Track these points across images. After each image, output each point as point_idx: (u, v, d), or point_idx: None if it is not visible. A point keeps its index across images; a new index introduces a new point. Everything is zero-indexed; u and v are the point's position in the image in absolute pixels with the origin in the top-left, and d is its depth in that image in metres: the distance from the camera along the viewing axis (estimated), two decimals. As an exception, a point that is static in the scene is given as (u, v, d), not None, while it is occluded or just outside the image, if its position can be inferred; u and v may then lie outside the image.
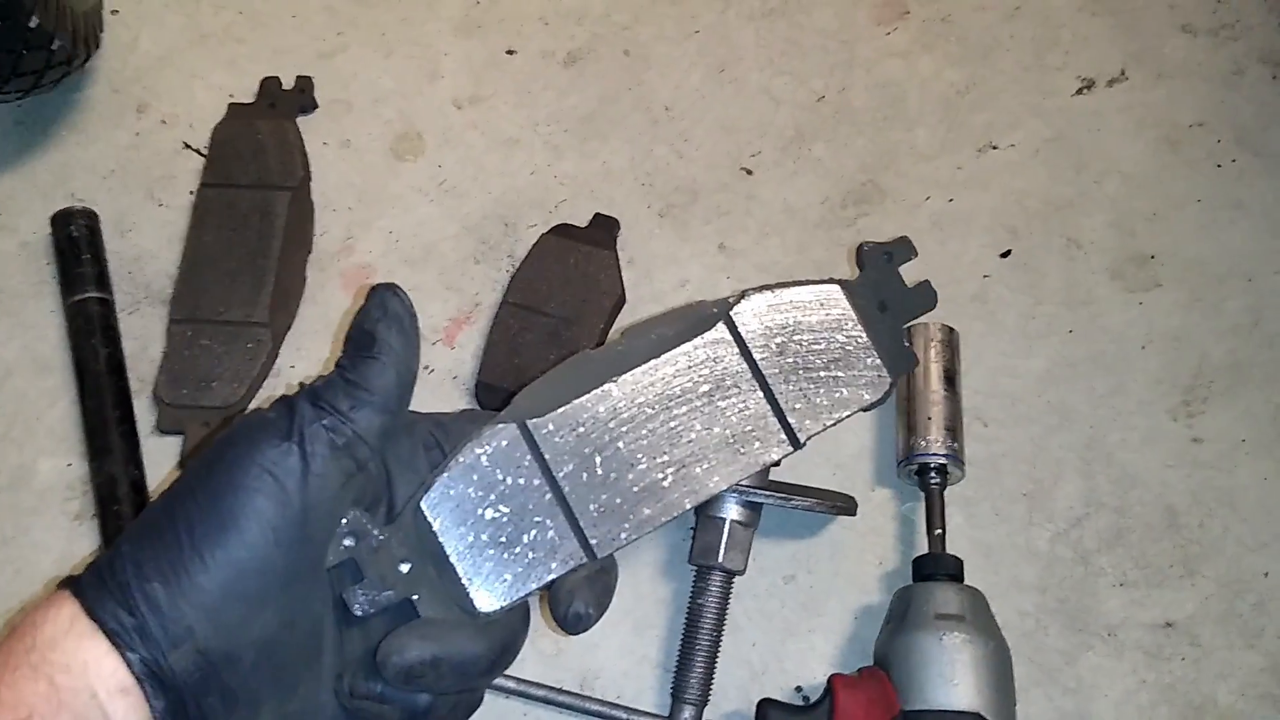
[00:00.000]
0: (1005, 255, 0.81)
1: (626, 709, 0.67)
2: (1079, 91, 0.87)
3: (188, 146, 0.87)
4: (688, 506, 0.50)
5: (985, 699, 0.61)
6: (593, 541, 0.49)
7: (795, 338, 0.52)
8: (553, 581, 0.49)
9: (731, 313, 0.51)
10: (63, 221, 0.81)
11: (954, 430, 0.71)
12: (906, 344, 0.53)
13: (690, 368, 0.51)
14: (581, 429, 0.50)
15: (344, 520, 0.45)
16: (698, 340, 0.51)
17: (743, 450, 0.51)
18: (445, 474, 0.48)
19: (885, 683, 0.62)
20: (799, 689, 0.68)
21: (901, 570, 0.71)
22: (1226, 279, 0.79)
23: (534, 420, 0.49)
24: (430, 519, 0.47)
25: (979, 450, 0.74)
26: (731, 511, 0.67)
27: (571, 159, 0.86)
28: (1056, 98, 0.87)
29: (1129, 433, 0.75)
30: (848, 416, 0.52)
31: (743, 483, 0.67)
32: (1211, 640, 0.69)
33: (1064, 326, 0.78)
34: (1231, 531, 0.72)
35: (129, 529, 0.45)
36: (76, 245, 0.80)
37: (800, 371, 0.52)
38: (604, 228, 0.81)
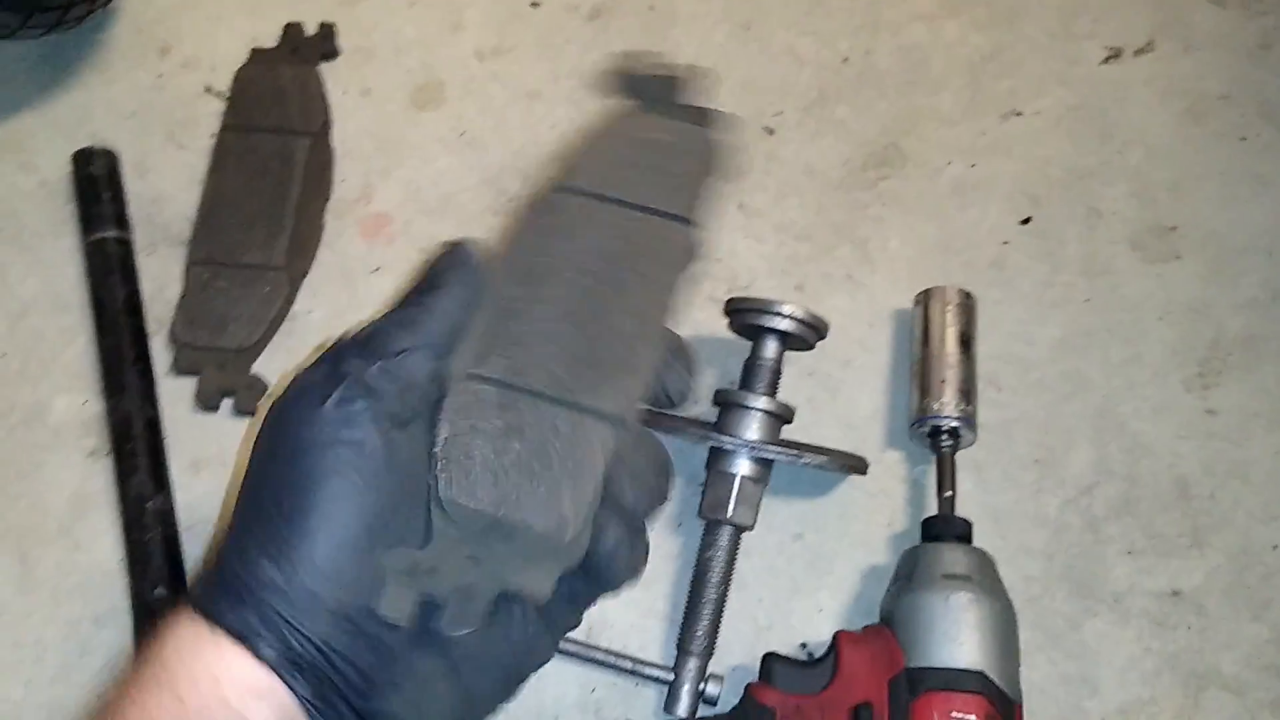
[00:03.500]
0: (1025, 222, 0.81)
1: (632, 659, 0.67)
2: (1105, 60, 0.86)
3: (209, 90, 0.86)
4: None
5: (989, 658, 0.61)
6: (607, 408, 0.45)
7: None
8: (606, 470, 0.45)
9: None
10: (83, 160, 0.81)
11: (967, 394, 0.71)
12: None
13: None
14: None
15: (385, 566, 0.42)
16: None
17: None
18: (443, 467, 0.44)
19: (890, 639, 0.63)
20: (804, 645, 0.69)
21: (910, 532, 0.71)
22: (1246, 253, 0.79)
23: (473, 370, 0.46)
24: (462, 503, 0.44)
25: (991, 415, 0.74)
26: (742, 467, 0.67)
27: (592, 113, 0.85)
28: (1082, 66, 0.86)
29: (1142, 403, 0.75)
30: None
31: (754, 439, 0.67)
32: (1218, 610, 0.69)
33: (1081, 295, 0.78)
34: (1242, 504, 0.71)
35: (223, 539, 0.44)
36: (96, 184, 0.80)
37: None
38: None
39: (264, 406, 0.74)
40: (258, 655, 0.41)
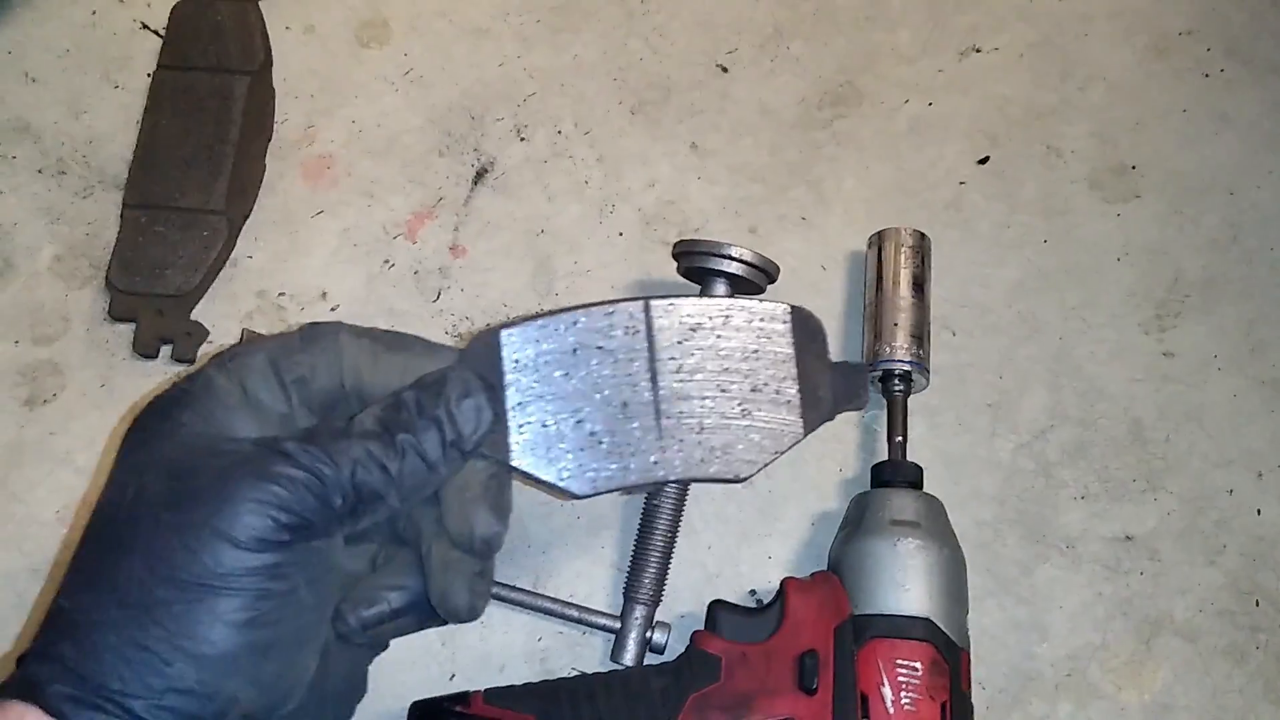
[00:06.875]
0: (983, 162, 0.79)
1: (579, 607, 0.66)
2: (1068, -5, 0.84)
3: (145, 27, 0.83)
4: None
5: (936, 605, 0.60)
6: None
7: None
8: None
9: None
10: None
11: (920, 338, 0.69)
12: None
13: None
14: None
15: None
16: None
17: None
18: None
19: (837, 586, 0.62)
20: (753, 592, 0.68)
21: (861, 478, 0.70)
22: (1207, 192, 0.78)
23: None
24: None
25: (946, 359, 0.72)
26: (690, 413, 0.66)
27: (542, 51, 0.83)
28: (1044, 0, 0.84)
29: (1099, 345, 0.74)
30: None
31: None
32: (1171, 555, 0.68)
33: (1039, 236, 0.77)
34: (1197, 448, 0.71)
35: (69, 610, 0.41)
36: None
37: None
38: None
39: (204, 353, 0.73)
40: None
